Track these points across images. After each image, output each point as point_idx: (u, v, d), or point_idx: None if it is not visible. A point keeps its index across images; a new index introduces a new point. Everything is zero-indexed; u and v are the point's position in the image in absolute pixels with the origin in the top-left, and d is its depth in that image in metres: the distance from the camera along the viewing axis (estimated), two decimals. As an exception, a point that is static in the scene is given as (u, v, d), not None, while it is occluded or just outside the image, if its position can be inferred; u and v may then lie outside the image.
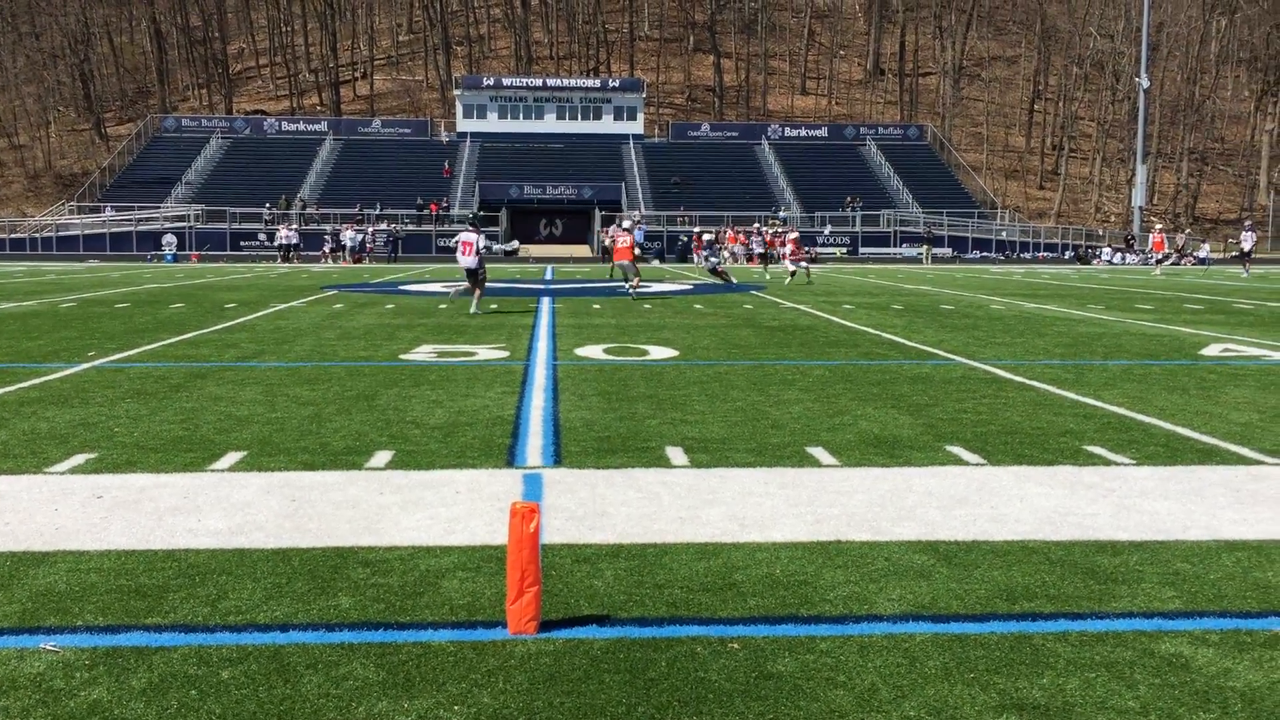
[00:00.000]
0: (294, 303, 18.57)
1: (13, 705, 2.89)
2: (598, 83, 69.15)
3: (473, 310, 16.18)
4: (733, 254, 49.48)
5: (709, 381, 9.17)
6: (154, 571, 4.03)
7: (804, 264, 28.81)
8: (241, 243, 53.24)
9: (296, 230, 48.82)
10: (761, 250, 29.72)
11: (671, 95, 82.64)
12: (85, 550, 4.29)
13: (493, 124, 66.59)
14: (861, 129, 69.53)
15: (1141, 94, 58.93)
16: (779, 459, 6.10)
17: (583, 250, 55.15)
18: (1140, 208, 60.58)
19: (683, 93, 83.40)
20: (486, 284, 17.77)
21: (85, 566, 4.08)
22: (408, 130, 67.70)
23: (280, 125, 67.54)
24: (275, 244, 47.94)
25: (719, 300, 20.07)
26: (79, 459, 5.95)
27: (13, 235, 53.85)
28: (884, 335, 13.34)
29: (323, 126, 67.62)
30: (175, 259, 48.19)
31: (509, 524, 3.48)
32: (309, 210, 55.61)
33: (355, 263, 45.21)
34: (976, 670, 3.19)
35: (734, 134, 69.58)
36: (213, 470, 5.73)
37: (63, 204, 58.95)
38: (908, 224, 56.44)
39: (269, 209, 54.55)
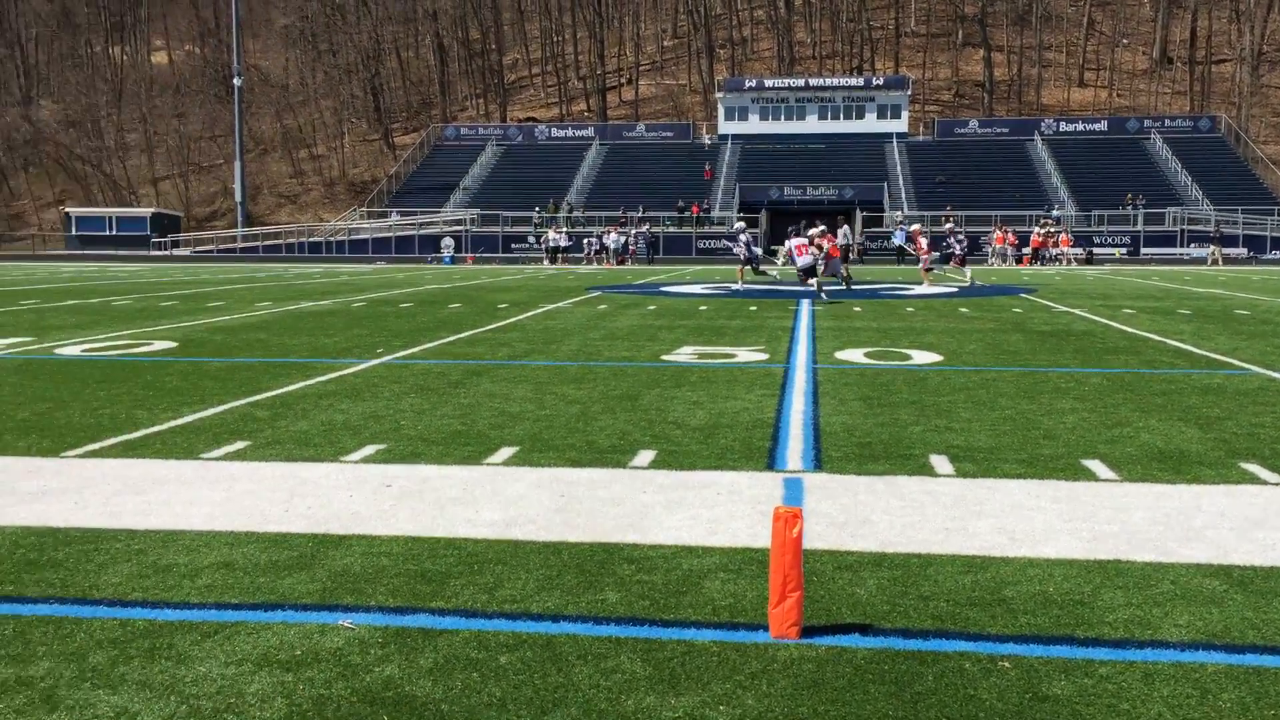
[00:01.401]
0: (561, 304, 19.28)
1: (316, 676, 3.15)
2: (861, 81, 68.12)
3: (823, 298, 19.50)
4: (1001, 254, 47.64)
5: (975, 388, 8.88)
6: (437, 558, 4.29)
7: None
8: (513, 245, 55.73)
9: (565, 233, 50.64)
10: (961, 251, 28.46)
11: (938, 92, 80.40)
12: (377, 535, 4.61)
13: (754, 125, 66.81)
14: (1146, 121, 65.42)
15: None
16: (1051, 471, 5.83)
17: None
18: None
19: (949, 89, 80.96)
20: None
21: (377, 550, 4.39)
22: (670, 134, 68.90)
23: (550, 132, 70.25)
24: (544, 246, 49.94)
25: (986, 303, 19.37)
26: (370, 449, 6.40)
27: (310, 239, 58.49)
28: (1169, 342, 12.50)
29: (589, 132, 69.79)
30: (453, 261, 50.96)
31: (772, 528, 3.49)
32: (576, 213, 57.55)
33: (619, 264, 46.43)
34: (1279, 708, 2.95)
35: (1004, 130, 66.98)
36: (488, 464, 6.03)
37: (354, 210, 63.50)
38: (1196, 222, 52.59)
39: (538, 212, 56.83)
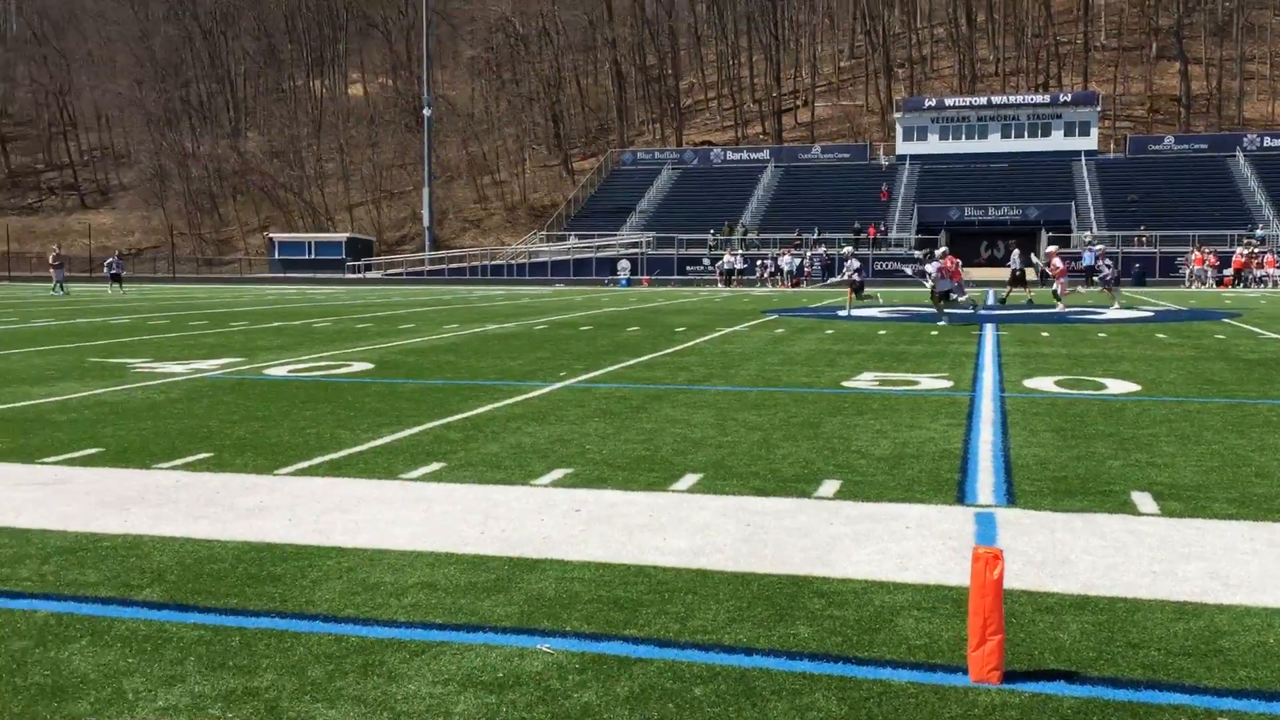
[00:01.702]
0: (737, 327, 19.30)
1: (519, 699, 3.25)
2: (1047, 98, 66.02)
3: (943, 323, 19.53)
4: (1200, 276, 45.26)
5: (1178, 420, 8.47)
6: (628, 585, 4.36)
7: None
8: (687, 268, 56.11)
9: (739, 255, 50.71)
10: (1113, 275, 27.15)
11: (1129, 107, 77.12)
12: (568, 560, 4.72)
13: (933, 145, 65.55)
14: (1361, 134, 61.20)
15: None
16: (1267, 512, 5.51)
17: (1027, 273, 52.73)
18: None
19: (1142, 104, 77.54)
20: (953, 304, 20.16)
21: (569, 575, 4.50)
22: (846, 155, 68.23)
23: (725, 155, 70.53)
24: (718, 269, 50.11)
25: (1185, 329, 18.44)
26: (558, 473, 6.55)
27: (493, 261, 60.29)
28: (1394, 373, 11.64)
29: (765, 154, 69.75)
30: (629, 283, 51.65)
31: (972, 569, 3.42)
32: (750, 235, 57.55)
33: (794, 287, 46.16)
34: None
35: (1203, 146, 63.78)
36: (674, 491, 6.09)
37: (534, 233, 65.15)
38: None
39: (713, 235, 57.08)
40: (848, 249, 31.06)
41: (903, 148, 66.00)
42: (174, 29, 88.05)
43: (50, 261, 40.33)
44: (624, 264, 55.25)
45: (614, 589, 4.30)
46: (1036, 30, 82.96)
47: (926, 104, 66.85)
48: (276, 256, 66.47)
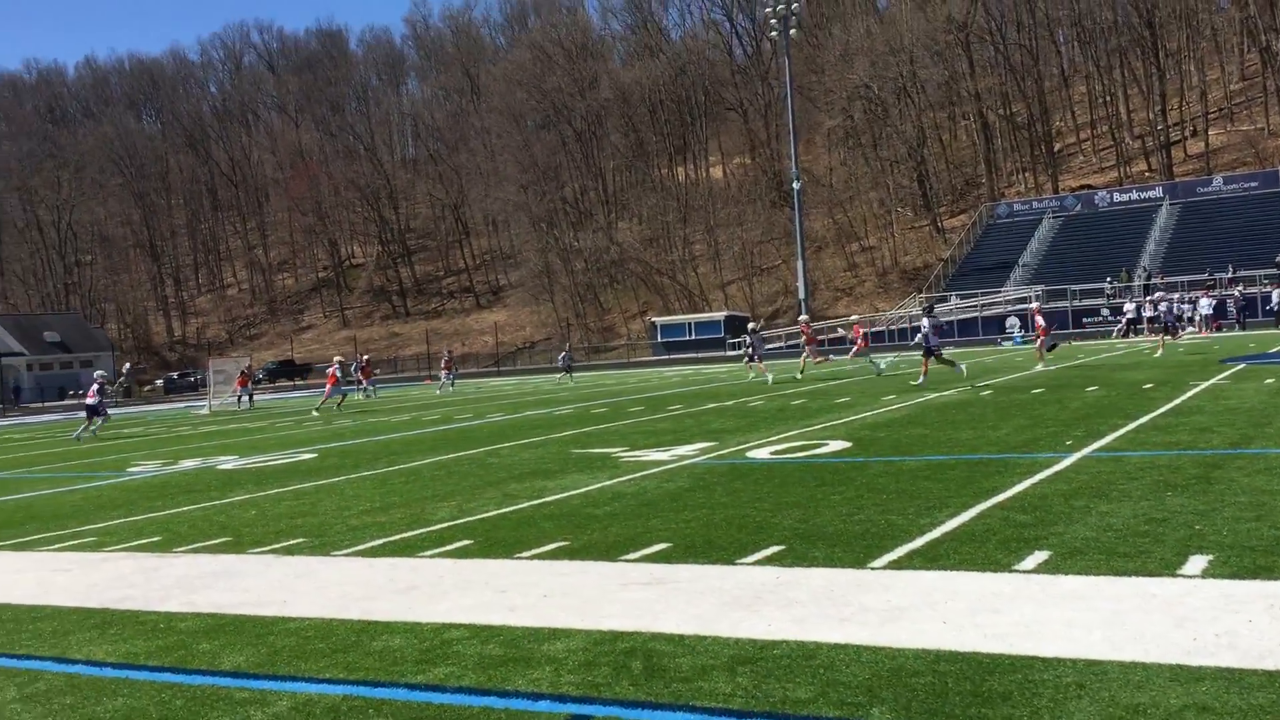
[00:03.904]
0: (1214, 380, 17.43)
1: None
2: None
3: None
4: None
5: None
6: None
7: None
8: (1084, 320, 52.69)
9: (1138, 303, 47.02)
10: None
11: None
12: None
13: (1362, 161, 58.28)
14: None
15: None
16: None
17: None
18: None
19: None
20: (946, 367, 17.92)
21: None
22: (1254, 184, 62.06)
23: (1111, 197, 66.22)
24: (1121, 318, 46.66)
25: None
26: (1199, 560, 5.74)
27: (872, 329, 59.40)
28: None
29: (1157, 192, 64.86)
30: (1022, 341, 49.15)
31: None
32: (1153, 280, 53.33)
33: (1214, 331, 42.10)
34: None
35: None
36: None
37: (913, 296, 63.73)
38: None
39: (1110, 283, 53.39)
40: (924, 306, 27.97)
41: (1322, 169, 59.19)
42: (551, 136, 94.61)
43: (444, 364, 42.92)
44: (1012, 320, 52.75)
45: None
46: None
47: (1348, 117, 59.70)
48: (659, 339, 68.94)
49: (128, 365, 69.53)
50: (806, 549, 6.82)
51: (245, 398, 38.34)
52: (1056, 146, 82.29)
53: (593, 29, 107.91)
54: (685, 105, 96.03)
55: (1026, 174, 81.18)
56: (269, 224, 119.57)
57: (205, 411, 37.78)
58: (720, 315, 68.96)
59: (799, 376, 28.99)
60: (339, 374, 32.34)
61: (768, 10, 62.89)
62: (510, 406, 26.46)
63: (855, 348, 30.27)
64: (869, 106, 79.06)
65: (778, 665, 4.56)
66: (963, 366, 22.78)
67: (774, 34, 67.08)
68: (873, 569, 6.17)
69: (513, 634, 5.38)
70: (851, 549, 6.72)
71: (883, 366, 28.75)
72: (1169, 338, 30.26)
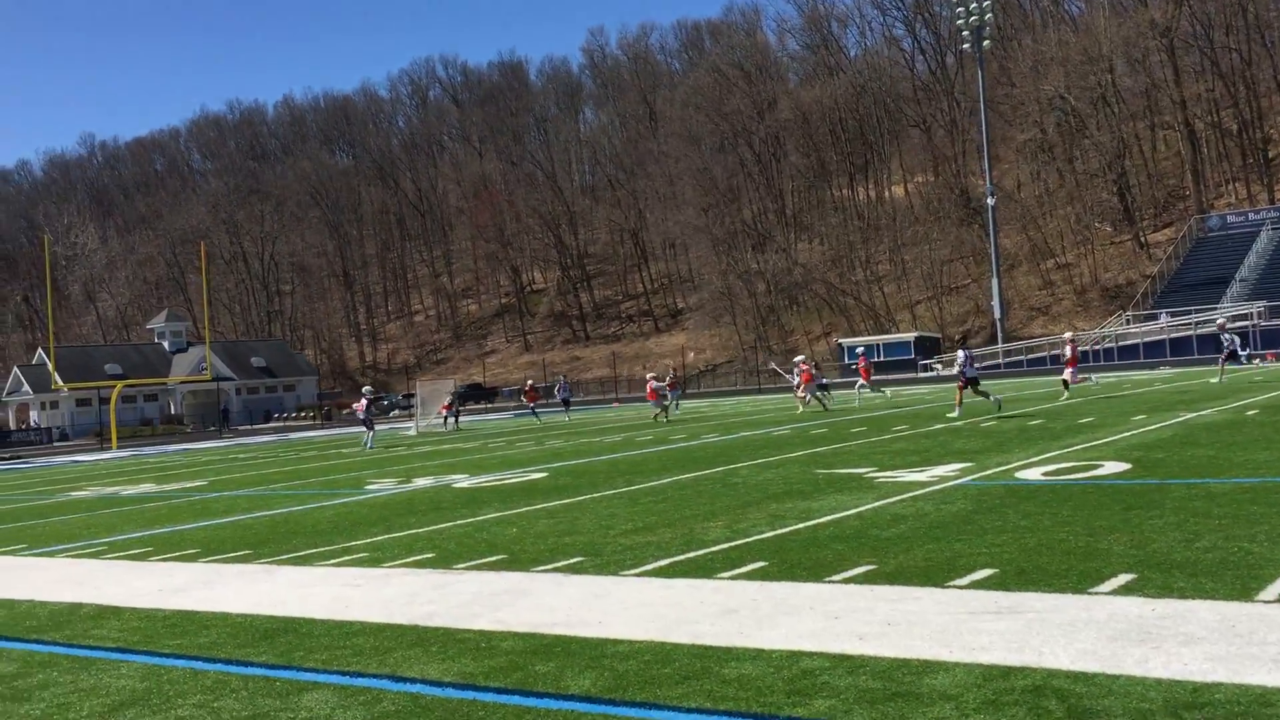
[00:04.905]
0: None
1: None
2: None
3: None
4: None
5: None
6: None
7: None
8: (1314, 337, 49.07)
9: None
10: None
11: None
12: None
13: None
14: None
15: None
16: None
17: None
18: None
19: None
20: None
21: None
22: None
23: (1337, 206, 61.68)
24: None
25: None
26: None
27: (1052, 352, 56.77)
28: None
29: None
30: (1247, 360, 46.01)
31: None
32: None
33: None
34: None
35: None
36: None
37: (1119, 315, 60.71)
38: None
39: (1342, 297, 49.61)
40: (963, 351, 24.32)
41: None
42: (729, 158, 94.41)
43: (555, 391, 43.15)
44: (1230, 339, 49.43)
45: None
46: None
47: None
48: (846, 361, 67.57)
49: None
50: (1164, 579, 6.12)
51: (452, 419, 39.32)
52: (1270, 154, 77.33)
53: (771, 50, 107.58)
54: (866, 123, 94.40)
55: (1237, 184, 76.52)
56: (454, 252, 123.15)
57: (413, 432, 38.74)
58: (910, 336, 67.21)
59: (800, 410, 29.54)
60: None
61: (959, 22, 61.29)
62: (722, 428, 26.09)
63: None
64: (1064, 118, 76.00)
65: (1230, 713, 3.94)
66: (998, 398, 22.62)
67: (966, 46, 65.26)
68: (1264, 602, 5.44)
69: (879, 665, 4.90)
70: (1220, 579, 5.99)
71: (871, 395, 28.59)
72: None
